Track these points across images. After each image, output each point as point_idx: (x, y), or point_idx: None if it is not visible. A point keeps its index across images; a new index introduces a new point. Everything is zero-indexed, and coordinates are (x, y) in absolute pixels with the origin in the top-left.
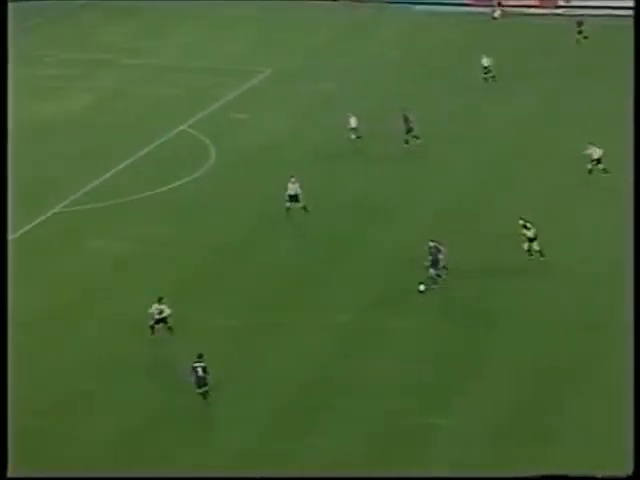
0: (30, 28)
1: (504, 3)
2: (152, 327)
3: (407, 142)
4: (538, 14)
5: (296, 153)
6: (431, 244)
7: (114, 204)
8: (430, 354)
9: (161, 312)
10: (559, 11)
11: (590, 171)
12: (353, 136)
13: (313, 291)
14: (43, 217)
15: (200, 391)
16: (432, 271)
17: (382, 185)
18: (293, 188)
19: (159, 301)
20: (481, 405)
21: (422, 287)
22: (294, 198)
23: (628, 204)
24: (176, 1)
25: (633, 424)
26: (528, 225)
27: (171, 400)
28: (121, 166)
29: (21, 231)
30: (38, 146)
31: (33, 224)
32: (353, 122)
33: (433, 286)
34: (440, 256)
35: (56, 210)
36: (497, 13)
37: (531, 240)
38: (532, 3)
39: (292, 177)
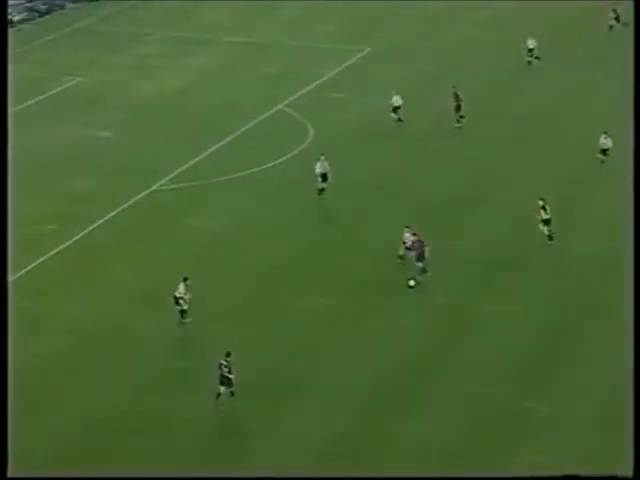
0: (129, 7)
1: None
2: (181, 312)
3: (458, 121)
4: None
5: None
6: (412, 238)
7: (211, 183)
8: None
9: (181, 293)
10: None
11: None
12: (394, 116)
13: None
14: (142, 194)
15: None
16: (419, 265)
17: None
18: (322, 167)
19: (184, 281)
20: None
21: (412, 282)
22: (324, 177)
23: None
24: None
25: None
26: (546, 207)
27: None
28: (218, 145)
29: (120, 208)
30: (137, 124)
31: (131, 202)
32: (396, 101)
33: (419, 278)
34: (426, 248)
35: (154, 188)
36: None
37: (546, 222)
38: None
39: (321, 155)
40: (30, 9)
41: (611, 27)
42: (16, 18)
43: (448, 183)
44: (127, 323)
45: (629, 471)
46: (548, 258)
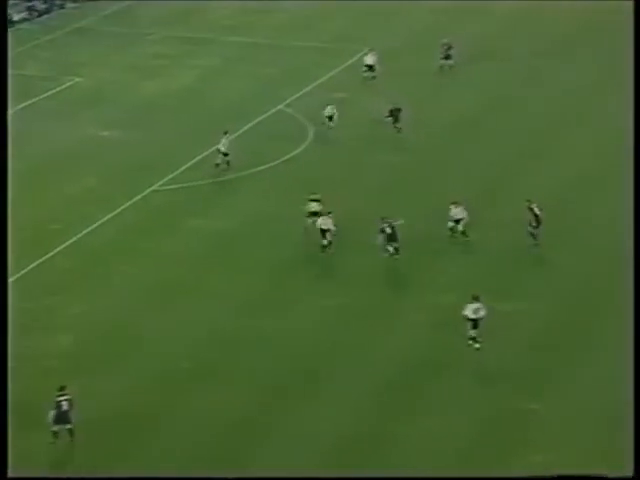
0: (129, 7)
1: None
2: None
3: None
4: None
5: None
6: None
7: (212, 183)
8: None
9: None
10: None
11: None
12: (367, 74)
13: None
14: (144, 193)
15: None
16: (392, 245)
17: None
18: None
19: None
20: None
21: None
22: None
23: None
24: None
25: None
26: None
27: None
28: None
29: (122, 207)
30: (138, 124)
31: (133, 200)
32: (369, 59)
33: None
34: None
35: (156, 187)
36: None
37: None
38: None
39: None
40: (29, 8)
41: (441, 67)
42: (15, 18)
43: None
44: (134, 321)
45: (630, 471)
46: (552, 257)
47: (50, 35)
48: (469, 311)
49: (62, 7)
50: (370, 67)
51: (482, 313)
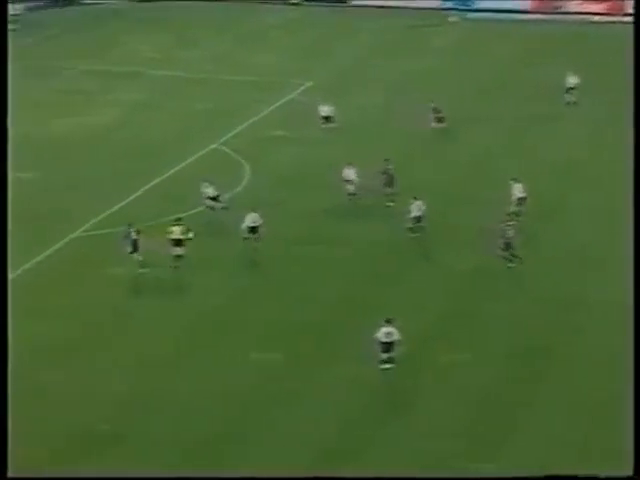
0: (49, 37)
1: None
2: None
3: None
4: (605, 22)
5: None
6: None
7: (139, 228)
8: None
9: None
10: (627, 19)
11: None
12: (323, 125)
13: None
14: (61, 243)
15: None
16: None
17: None
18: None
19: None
20: None
21: None
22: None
23: None
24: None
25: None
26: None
27: None
28: (147, 187)
29: (37, 258)
30: (57, 165)
31: (50, 250)
32: (326, 111)
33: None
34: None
35: (75, 235)
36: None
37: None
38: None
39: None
40: None
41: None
42: None
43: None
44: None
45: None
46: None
47: None
48: (381, 334)
49: None
50: (327, 118)
51: (395, 337)
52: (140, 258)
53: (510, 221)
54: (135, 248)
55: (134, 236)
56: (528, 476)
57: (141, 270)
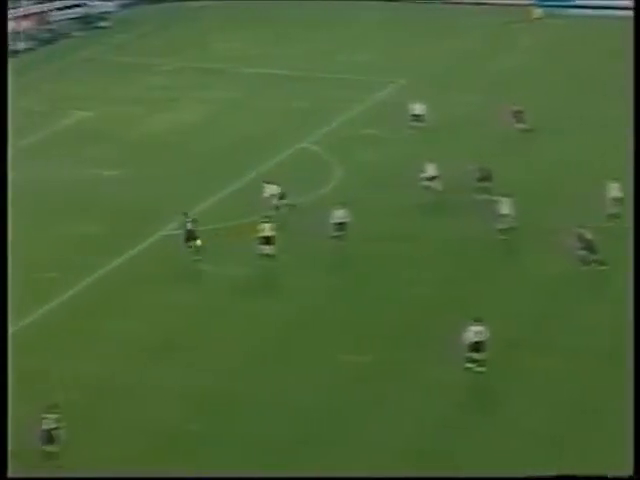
0: (142, 35)
1: None
2: None
3: None
4: None
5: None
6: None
7: (228, 226)
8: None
9: None
10: None
11: None
12: (414, 124)
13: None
14: (150, 240)
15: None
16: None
17: None
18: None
19: None
20: None
21: None
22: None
23: None
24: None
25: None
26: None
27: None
28: (233, 187)
29: (126, 255)
30: (147, 163)
31: (138, 248)
32: (418, 109)
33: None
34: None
35: (165, 232)
36: None
37: None
38: None
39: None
40: (33, 38)
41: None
42: (18, 47)
43: None
44: (133, 376)
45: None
46: None
47: (54, 66)
48: (471, 333)
49: (68, 36)
50: (418, 117)
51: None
52: (198, 243)
53: (605, 223)
54: (190, 238)
55: (190, 226)
56: (535, 476)
57: (195, 258)
